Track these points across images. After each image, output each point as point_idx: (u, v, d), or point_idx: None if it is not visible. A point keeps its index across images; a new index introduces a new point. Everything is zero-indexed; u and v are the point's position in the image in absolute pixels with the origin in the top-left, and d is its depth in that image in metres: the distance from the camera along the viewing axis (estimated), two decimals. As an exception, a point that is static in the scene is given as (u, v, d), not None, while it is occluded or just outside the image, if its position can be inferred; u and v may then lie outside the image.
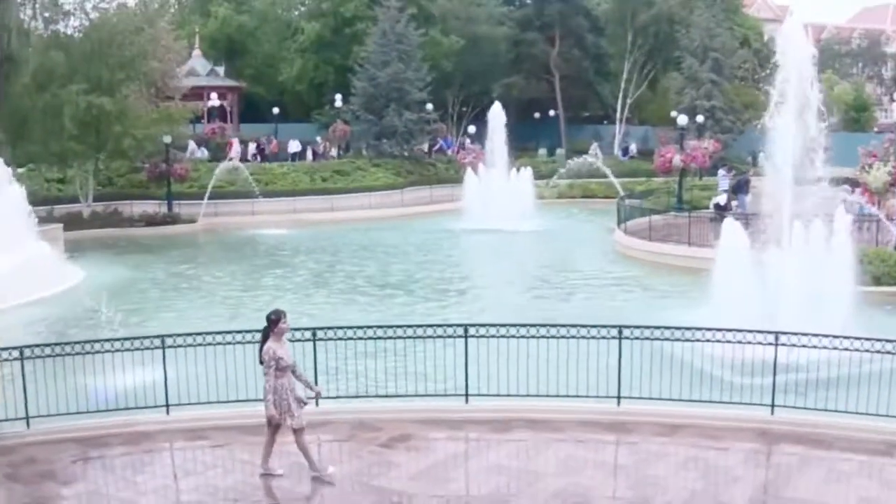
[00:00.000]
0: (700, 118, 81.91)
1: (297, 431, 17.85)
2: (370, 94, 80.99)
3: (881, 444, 19.61)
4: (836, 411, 20.41)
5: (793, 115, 31.87)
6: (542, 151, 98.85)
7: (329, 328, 21.30)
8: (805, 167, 32.33)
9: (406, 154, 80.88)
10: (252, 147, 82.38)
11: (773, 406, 20.66)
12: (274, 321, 17.79)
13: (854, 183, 46.37)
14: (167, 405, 21.02)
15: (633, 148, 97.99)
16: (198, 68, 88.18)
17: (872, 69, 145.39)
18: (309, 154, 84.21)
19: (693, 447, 19.75)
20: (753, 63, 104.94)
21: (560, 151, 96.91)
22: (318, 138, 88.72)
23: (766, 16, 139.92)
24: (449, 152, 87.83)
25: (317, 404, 19.67)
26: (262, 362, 17.78)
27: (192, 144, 78.13)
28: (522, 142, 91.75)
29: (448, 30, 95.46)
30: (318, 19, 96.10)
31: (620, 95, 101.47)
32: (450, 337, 21.43)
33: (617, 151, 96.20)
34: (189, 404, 21.05)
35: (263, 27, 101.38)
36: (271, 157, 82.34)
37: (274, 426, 17.91)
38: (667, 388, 21.03)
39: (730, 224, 31.40)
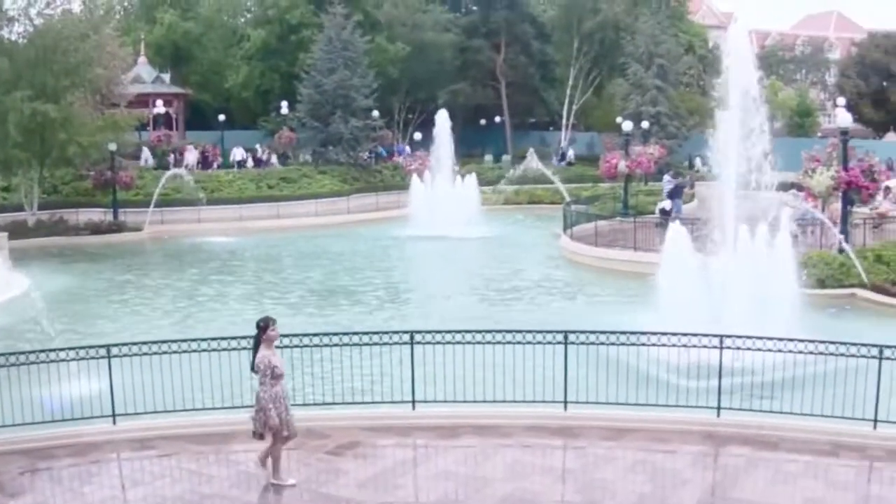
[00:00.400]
0: (645, 124, 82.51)
1: (286, 439, 17.87)
2: (316, 101, 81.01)
3: (826, 444, 19.81)
4: (781, 413, 20.64)
5: (737, 121, 32.09)
6: (489, 158, 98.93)
7: (275, 336, 21.26)
8: (750, 172, 32.62)
9: (352, 161, 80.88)
10: (194, 155, 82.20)
11: (718, 409, 20.79)
12: (263, 328, 17.79)
13: (800, 187, 46.75)
14: (114, 415, 20.87)
15: (570, 154, 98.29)
16: (143, 75, 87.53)
17: (816, 75, 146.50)
18: (249, 161, 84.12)
19: (640, 450, 19.85)
20: (698, 69, 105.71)
21: (506, 158, 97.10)
22: (258, 145, 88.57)
23: (711, 22, 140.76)
24: (400, 158, 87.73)
25: None
26: (255, 371, 17.74)
27: (145, 152, 77.93)
28: (468, 148, 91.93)
29: (394, 37, 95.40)
30: (264, 26, 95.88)
31: (566, 102, 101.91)
32: (396, 344, 21.39)
33: (553, 158, 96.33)
34: (136, 414, 20.96)
35: (209, 34, 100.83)
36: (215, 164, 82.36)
37: (280, 436, 17.83)
38: (613, 392, 21.10)
39: (675, 229, 31.54)
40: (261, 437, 17.84)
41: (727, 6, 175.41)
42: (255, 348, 17.84)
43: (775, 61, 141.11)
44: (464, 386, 21.07)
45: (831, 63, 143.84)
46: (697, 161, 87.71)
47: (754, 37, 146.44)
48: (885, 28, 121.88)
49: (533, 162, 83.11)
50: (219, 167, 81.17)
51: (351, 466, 19.14)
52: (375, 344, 21.38)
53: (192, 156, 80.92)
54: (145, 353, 20.73)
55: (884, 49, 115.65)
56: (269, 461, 18.07)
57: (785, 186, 48.75)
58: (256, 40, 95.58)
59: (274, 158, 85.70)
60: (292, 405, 21.20)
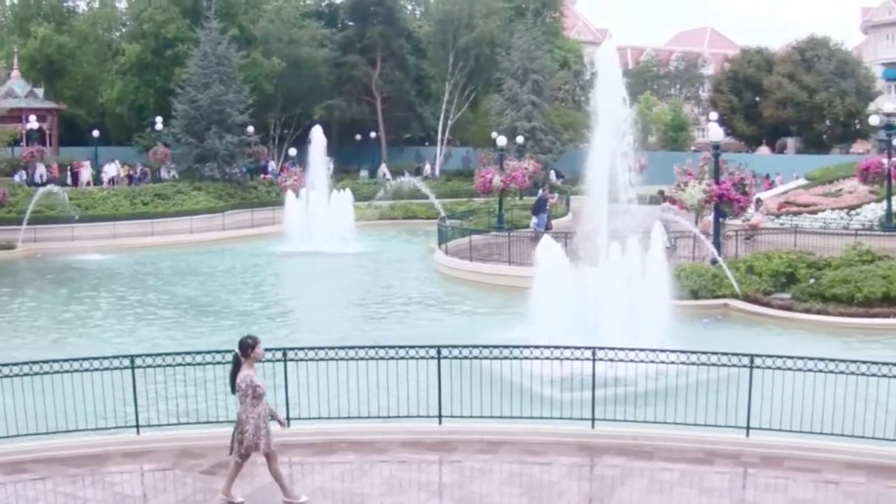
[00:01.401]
0: (520, 139, 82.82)
1: (270, 457, 17.57)
2: (191, 117, 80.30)
3: (700, 452, 20.03)
4: (655, 423, 20.86)
5: (608, 136, 32.35)
6: (364, 173, 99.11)
7: (148, 355, 20.97)
8: (622, 185, 32.92)
9: (227, 177, 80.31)
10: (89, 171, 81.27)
11: (593, 420, 20.91)
12: (251, 345, 17.35)
13: (672, 200, 47.36)
14: (-17, 438, 20.43)
15: (427, 169, 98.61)
16: (16, 90, 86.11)
17: (690, 90, 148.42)
18: (105, 179, 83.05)
19: (516, 463, 19.85)
20: (573, 84, 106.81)
21: (406, 175, 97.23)
22: (116, 162, 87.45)
23: (587, 38, 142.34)
24: (269, 176, 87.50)
25: None
26: (234, 391, 17.38)
27: (41, 168, 76.83)
28: (344, 164, 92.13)
29: (270, 52, 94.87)
30: (139, 40, 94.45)
31: (442, 117, 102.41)
32: (269, 361, 21.13)
33: (405, 174, 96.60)
34: (8, 437, 20.47)
35: (84, 48, 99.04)
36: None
37: (246, 455, 17.49)
38: (488, 405, 21.17)
39: (547, 242, 31.67)
40: (241, 455, 17.55)
41: (603, 22, 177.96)
42: (235, 367, 17.41)
43: (650, 76, 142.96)
44: (338, 402, 20.94)
45: (705, 78, 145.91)
46: (552, 175, 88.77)
47: (629, 52, 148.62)
48: (757, 44, 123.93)
49: (385, 175, 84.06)
50: (76, 184, 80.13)
51: (226, 486, 18.93)
52: (249, 361, 21.16)
53: (87, 172, 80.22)
54: (16, 374, 20.20)
55: (756, 64, 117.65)
56: (232, 485, 17.82)
57: (655, 199, 49.52)
58: (131, 55, 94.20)
59: (119, 172, 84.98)
60: (166, 425, 21.11)
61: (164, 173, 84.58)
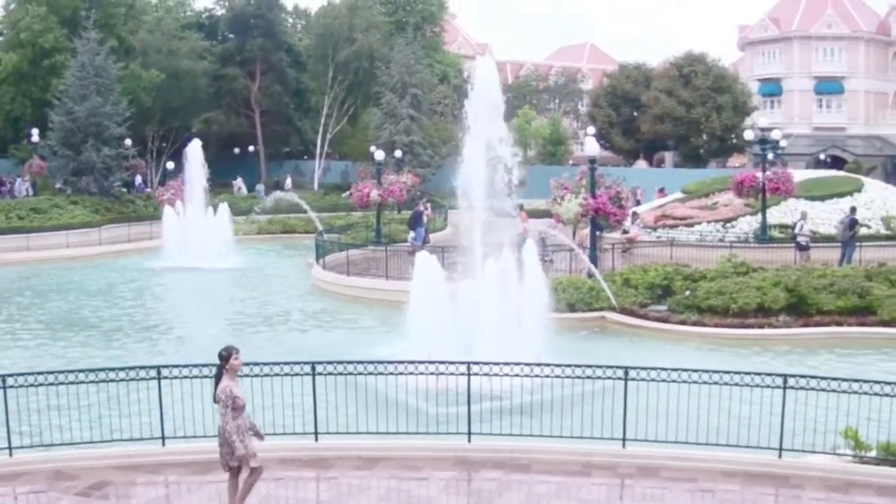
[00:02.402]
0: (398, 153, 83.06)
1: (255, 470, 17.26)
2: (68, 129, 78.94)
3: (577, 464, 20.20)
4: (532, 436, 20.92)
5: (483, 150, 32.41)
6: (243, 187, 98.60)
7: (20, 374, 20.56)
8: (499, 199, 32.97)
9: (104, 191, 79.30)
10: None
11: (469, 434, 20.98)
12: (225, 358, 17.11)
13: (549, 214, 47.72)
14: None
15: (288, 183, 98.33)
16: None
17: (569, 104, 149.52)
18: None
19: (393, 479, 19.84)
20: (453, 98, 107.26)
21: (259, 187, 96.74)
22: None
23: (467, 52, 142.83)
24: (145, 190, 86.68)
25: None
26: (217, 402, 17.09)
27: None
28: (222, 177, 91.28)
29: (149, 63, 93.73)
30: (16, 50, 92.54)
31: (321, 131, 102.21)
32: (143, 379, 20.88)
33: (259, 187, 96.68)
34: None
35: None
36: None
37: (237, 468, 17.21)
38: (364, 421, 21.14)
39: (423, 257, 31.62)
40: (230, 469, 17.26)
41: (484, 37, 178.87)
42: (217, 379, 17.20)
43: (529, 91, 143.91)
44: (213, 420, 20.68)
45: (584, 93, 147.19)
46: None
47: (509, 67, 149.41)
48: (635, 60, 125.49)
49: (240, 190, 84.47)
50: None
51: (101, 507, 18.67)
52: (122, 380, 20.82)
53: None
54: None
55: (634, 80, 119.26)
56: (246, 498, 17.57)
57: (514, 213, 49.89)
58: (7, 64, 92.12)
59: None
60: (39, 446, 20.74)
61: (17, 187, 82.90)
